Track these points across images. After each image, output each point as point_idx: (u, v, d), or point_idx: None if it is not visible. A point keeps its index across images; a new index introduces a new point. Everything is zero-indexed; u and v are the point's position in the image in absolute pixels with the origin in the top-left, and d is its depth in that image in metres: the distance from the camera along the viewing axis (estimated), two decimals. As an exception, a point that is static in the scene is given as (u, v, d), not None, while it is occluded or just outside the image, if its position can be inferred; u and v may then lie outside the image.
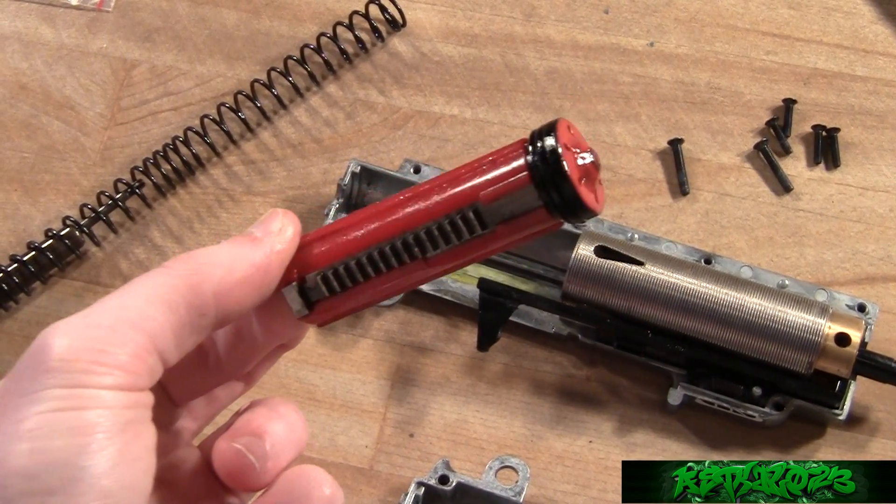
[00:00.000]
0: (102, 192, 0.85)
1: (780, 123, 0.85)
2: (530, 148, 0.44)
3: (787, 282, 0.77)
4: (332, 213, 0.81)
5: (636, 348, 0.76)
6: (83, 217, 0.84)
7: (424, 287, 0.80)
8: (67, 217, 0.83)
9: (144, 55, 0.91)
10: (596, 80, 0.88)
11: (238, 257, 0.45)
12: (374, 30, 0.90)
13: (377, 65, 0.90)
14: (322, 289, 0.47)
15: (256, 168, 0.87)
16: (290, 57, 0.88)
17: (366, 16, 0.90)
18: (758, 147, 0.84)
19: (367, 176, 0.83)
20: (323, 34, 0.89)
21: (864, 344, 0.73)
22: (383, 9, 0.90)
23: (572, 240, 0.76)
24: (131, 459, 0.41)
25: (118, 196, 0.84)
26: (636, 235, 0.79)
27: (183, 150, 0.86)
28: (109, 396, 0.41)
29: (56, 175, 0.87)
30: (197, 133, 0.86)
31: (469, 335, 0.79)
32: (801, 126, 0.86)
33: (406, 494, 0.71)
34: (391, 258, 0.46)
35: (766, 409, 0.74)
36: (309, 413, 0.78)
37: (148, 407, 0.43)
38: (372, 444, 0.77)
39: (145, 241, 0.85)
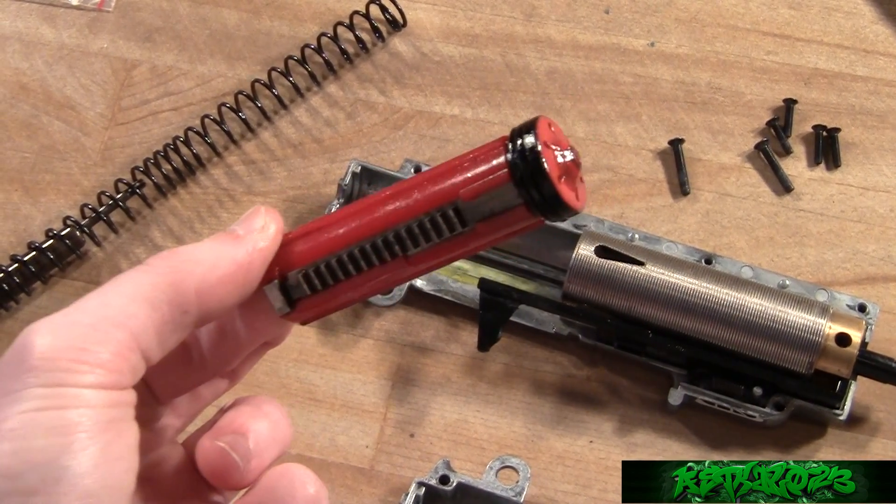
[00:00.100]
0: (103, 192, 0.85)
1: (780, 123, 0.85)
2: (510, 146, 0.44)
3: (787, 282, 0.77)
4: (332, 213, 0.81)
5: (637, 348, 0.76)
6: (84, 217, 0.84)
7: (425, 287, 0.80)
8: (68, 217, 0.83)
9: (145, 55, 0.91)
10: (596, 80, 0.88)
11: (220, 255, 0.45)
12: (375, 30, 0.90)
13: (378, 65, 0.90)
14: (304, 286, 0.47)
15: (257, 168, 0.87)
16: (290, 57, 0.88)
17: (366, 16, 0.90)
18: (758, 147, 0.84)
19: (368, 176, 0.83)
20: (323, 34, 0.89)
21: (864, 344, 0.73)
22: (384, 9, 0.90)
23: (573, 240, 0.76)
24: (113, 459, 0.41)
25: (119, 196, 0.84)
26: (637, 235, 0.79)
27: (183, 150, 0.86)
28: (91, 395, 0.41)
29: (57, 175, 0.87)
30: (197, 133, 0.86)
31: (470, 335, 0.79)
32: (802, 126, 0.86)
33: (407, 494, 0.71)
34: (372, 256, 0.46)
35: (767, 410, 0.74)
36: (309, 413, 0.78)
37: (130, 405, 0.43)
38: (372, 444, 0.77)
39: (146, 241, 0.85)
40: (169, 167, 0.86)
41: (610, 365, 0.79)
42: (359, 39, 0.90)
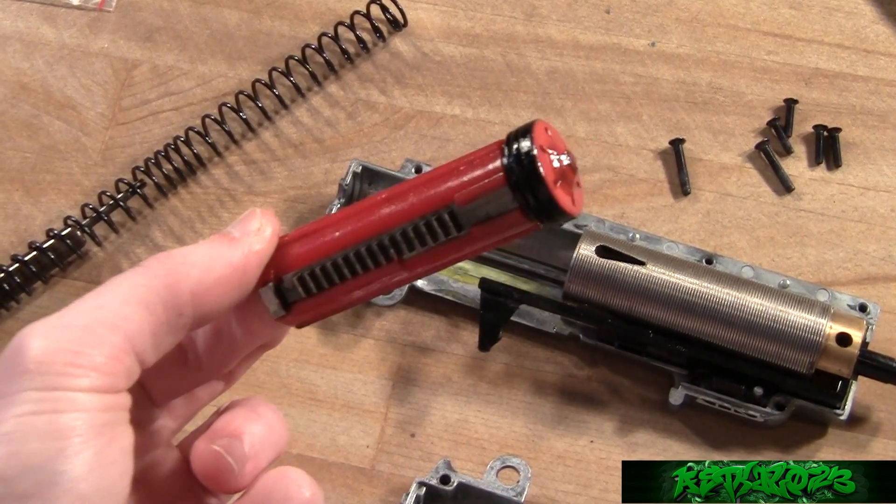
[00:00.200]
0: (104, 192, 0.85)
1: (781, 123, 0.85)
2: (506, 150, 0.43)
3: (788, 282, 0.77)
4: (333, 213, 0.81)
5: (637, 348, 0.76)
6: (84, 217, 0.84)
7: (426, 287, 0.80)
8: (69, 217, 0.83)
9: (146, 55, 0.91)
10: (597, 79, 0.88)
11: (216, 257, 0.45)
12: (376, 30, 0.90)
13: (378, 65, 0.90)
14: (299, 290, 0.46)
15: (258, 168, 0.87)
16: (291, 57, 0.88)
17: (367, 16, 0.90)
18: (759, 147, 0.84)
19: (369, 176, 0.83)
20: (324, 34, 0.89)
21: (865, 344, 0.73)
22: (384, 9, 0.90)
23: (574, 240, 0.76)
24: (108, 463, 0.41)
25: (119, 196, 0.84)
26: (637, 235, 0.79)
27: (184, 149, 0.86)
28: (85, 399, 0.40)
29: (57, 175, 0.87)
30: (198, 133, 0.86)
31: (470, 335, 0.79)
32: (803, 126, 0.86)
33: (407, 494, 0.71)
34: (367, 260, 0.45)
35: (768, 409, 0.74)
36: (310, 413, 0.78)
37: (125, 408, 0.42)
38: (373, 444, 0.77)
39: (147, 241, 0.85)
40: (170, 167, 0.86)
41: (611, 365, 0.79)
42: (359, 39, 0.90)
